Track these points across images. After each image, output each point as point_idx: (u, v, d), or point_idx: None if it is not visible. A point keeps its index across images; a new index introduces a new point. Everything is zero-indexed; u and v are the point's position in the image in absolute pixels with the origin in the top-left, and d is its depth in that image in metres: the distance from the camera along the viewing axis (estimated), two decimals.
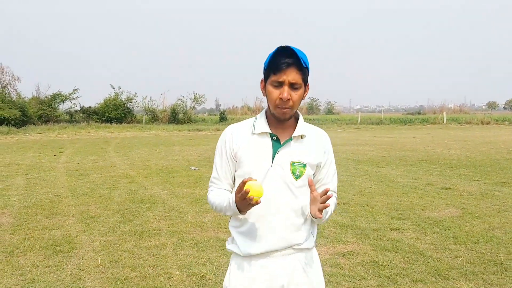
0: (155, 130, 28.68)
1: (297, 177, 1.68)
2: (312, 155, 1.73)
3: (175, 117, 36.05)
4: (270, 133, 1.69)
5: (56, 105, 34.79)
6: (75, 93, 34.99)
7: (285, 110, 1.62)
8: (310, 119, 39.73)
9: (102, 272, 3.78)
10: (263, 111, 1.76)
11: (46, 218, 5.61)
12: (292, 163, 1.68)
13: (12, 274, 3.69)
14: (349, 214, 5.77)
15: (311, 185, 1.61)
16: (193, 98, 39.13)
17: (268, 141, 1.69)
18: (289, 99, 1.59)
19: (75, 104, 35.45)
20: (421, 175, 8.99)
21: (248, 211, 1.67)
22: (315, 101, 57.42)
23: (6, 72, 33.99)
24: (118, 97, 35.40)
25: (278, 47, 1.60)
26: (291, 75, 1.57)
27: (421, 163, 10.87)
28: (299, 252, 1.74)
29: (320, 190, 1.79)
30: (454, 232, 4.88)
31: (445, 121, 35.62)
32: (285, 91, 1.58)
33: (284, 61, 1.57)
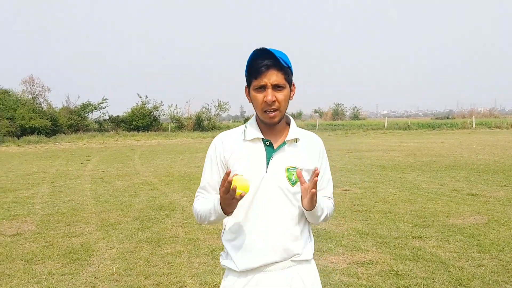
0: (180, 137, 29.05)
1: (293, 183, 1.61)
2: (307, 159, 1.67)
3: (200, 124, 36.48)
4: (262, 139, 1.63)
5: (86, 115, 35.70)
6: (103, 102, 35.86)
7: (273, 113, 1.57)
8: (334, 125, 39.36)
9: (117, 280, 3.80)
10: (253, 118, 1.71)
11: (67, 225, 5.71)
12: (288, 169, 1.61)
13: (28, 282, 3.75)
14: (371, 222, 5.64)
15: (299, 176, 1.53)
16: (217, 105, 39.54)
17: (261, 147, 1.63)
18: (274, 101, 1.55)
19: (104, 113, 36.33)
20: (447, 181, 8.72)
21: (242, 221, 1.63)
22: (340, 106, 56.90)
23: (36, 83, 35.20)
24: (145, 105, 36.05)
25: (254, 51, 1.55)
26: (273, 77, 1.53)
27: (448, 168, 10.56)
28: (298, 264, 1.67)
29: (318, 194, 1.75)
30: (478, 240, 4.69)
31: (474, 126, 34.61)
32: (269, 94, 1.54)
33: (263, 63, 1.52)
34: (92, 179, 10.14)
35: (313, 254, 1.73)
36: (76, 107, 35.31)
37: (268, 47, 1.54)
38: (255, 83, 1.56)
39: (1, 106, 28.68)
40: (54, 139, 26.93)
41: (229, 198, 1.44)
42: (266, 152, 1.62)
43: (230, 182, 1.40)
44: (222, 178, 1.69)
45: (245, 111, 58.89)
